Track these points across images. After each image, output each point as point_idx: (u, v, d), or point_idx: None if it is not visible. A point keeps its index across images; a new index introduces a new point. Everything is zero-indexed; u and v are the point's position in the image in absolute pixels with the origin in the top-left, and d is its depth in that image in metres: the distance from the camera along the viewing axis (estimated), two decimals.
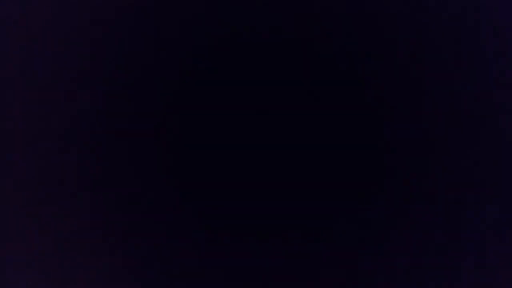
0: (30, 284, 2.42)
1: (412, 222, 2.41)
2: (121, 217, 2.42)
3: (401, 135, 2.43)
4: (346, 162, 2.43)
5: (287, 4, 2.46)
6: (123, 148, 2.44)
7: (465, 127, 2.43)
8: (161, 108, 2.45)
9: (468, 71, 2.45)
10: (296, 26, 2.46)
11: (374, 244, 2.41)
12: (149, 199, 2.43)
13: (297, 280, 2.41)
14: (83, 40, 2.47)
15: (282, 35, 2.46)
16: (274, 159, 2.43)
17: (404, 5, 2.46)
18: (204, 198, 2.43)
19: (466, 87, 2.44)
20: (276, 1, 2.46)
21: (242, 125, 2.44)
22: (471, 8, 2.46)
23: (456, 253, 2.40)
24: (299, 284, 2.41)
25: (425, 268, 2.40)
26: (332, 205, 2.42)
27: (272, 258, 2.41)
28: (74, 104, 2.45)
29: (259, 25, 2.46)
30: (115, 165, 2.43)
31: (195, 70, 2.46)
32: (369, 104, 2.44)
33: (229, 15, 2.46)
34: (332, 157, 2.43)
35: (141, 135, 2.44)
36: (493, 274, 2.40)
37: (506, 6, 2.46)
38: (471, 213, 2.41)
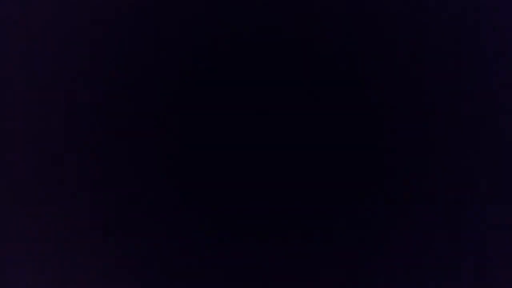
0: (30, 284, 2.42)
1: (412, 222, 2.41)
2: (121, 217, 2.42)
3: (401, 135, 2.43)
4: (346, 162, 2.43)
5: (287, 4, 2.46)
6: (123, 148, 2.44)
7: (465, 127, 2.43)
8: (161, 108, 2.45)
9: (468, 71, 2.45)
10: (296, 26, 2.46)
11: (374, 244, 2.41)
12: (149, 199, 2.43)
13: (297, 280, 2.41)
14: (83, 40, 2.47)
15: (282, 35, 2.46)
16: (274, 159, 2.43)
17: (404, 5, 2.46)
18: (204, 198, 2.43)
19: (466, 87, 2.44)
20: (276, 1, 2.46)
21: (242, 125, 2.44)
22: (471, 8, 2.46)
23: (456, 253, 2.40)
24: (299, 284, 2.41)
25: (425, 268, 2.40)
26: (332, 205, 2.42)
27: (272, 258, 2.41)
28: (74, 104, 2.45)
29: (259, 25, 2.46)
30: (115, 165, 2.43)
31: (195, 70, 2.46)
32: (369, 104, 2.44)
33: (229, 15, 2.46)
34: (332, 157, 2.43)
35: (141, 135, 2.44)
36: (493, 274, 2.40)
37: (506, 6, 2.46)
38: (471, 213, 2.41)
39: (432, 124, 2.43)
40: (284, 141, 2.44)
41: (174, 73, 2.46)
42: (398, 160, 2.42)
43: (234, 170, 2.43)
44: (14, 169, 2.44)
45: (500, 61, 2.44)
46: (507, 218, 2.40)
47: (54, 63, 2.47)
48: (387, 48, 2.45)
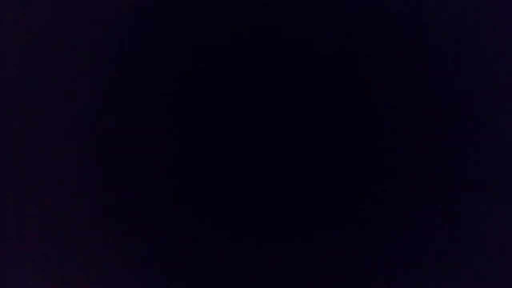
0: (30, 284, 2.42)
1: (412, 222, 2.41)
2: (121, 217, 2.42)
3: (401, 135, 2.43)
4: (346, 162, 2.42)
5: (287, 4, 2.46)
6: (123, 148, 2.44)
7: (465, 127, 2.43)
8: (161, 108, 2.45)
9: (468, 71, 2.45)
10: (296, 26, 2.46)
11: (374, 244, 2.41)
12: (149, 199, 2.43)
13: (297, 280, 2.41)
14: (83, 40, 2.47)
15: (282, 35, 2.46)
16: (274, 159, 2.43)
17: (404, 5, 2.46)
18: (204, 198, 2.43)
19: (466, 87, 2.44)
20: (276, 1, 2.46)
21: (242, 125, 2.44)
22: (471, 8, 2.46)
23: (456, 253, 2.40)
24: (299, 284, 2.41)
25: (425, 268, 2.40)
26: (332, 205, 2.42)
27: (272, 258, 2.41)
28: (74, 104, 2.45)
29: (259, 25, 2.46)
30: (115, 165, 2.43)
31: (195, 70, 2.46)
32: (369, 104, 2.44)
33: (229, 15, 2.46)
34: (332, 157, 2.43)
35: (141, 135, 2.44)
36: (493, 274, 2.40)
37: (506, 6, 2.46)
38: (471, 213, 2.41)
39: (432, 124, 2.43)
40: (284, 141, 2.44)
41: (174, 73, 2.46)
42: (398, 160, 2.42)
43: (234, 169, 2.43)
44: (14, 169, 2.44)
45: (500, 61, 2.44)
46: (507, 218, 2.40)
47: (54, 63, 2.47)
48: (387, 48, 2.45)
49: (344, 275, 2.41)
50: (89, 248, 2.42)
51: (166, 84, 2.46)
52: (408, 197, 2.41)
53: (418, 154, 2.43)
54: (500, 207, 2.41)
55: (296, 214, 2.42)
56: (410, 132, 2.43)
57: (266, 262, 2.41)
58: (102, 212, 2.42)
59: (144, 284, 2.41)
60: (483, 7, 2.46)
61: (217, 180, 2.43)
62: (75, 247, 2.42)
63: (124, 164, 2.43)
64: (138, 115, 2.45)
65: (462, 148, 2.43)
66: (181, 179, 2.43)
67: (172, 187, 2.43)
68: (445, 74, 2.45)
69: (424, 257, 2.40)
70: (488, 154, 2.42)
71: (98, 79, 2.46)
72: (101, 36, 2.47)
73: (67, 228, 2.43)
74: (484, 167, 2.42)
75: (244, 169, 2.43)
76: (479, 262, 2.40)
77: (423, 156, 2.43)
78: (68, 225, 2.43)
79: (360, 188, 2.42)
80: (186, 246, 2.42)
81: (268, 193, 2.42)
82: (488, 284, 2.40)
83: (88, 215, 2.42)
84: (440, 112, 2.44)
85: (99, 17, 2.47)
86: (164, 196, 2.43)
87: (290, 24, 2.46)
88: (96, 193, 2.43)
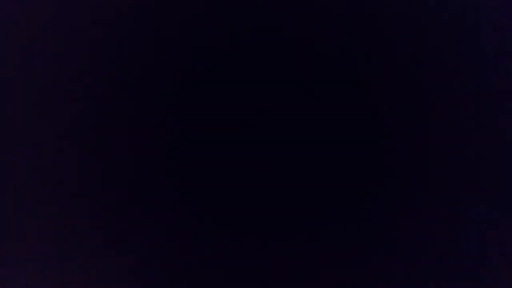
0: (30, 284, 2.42)
1: (412, 222, 2.41)
2: (121, 217, 2.42)
3: (401, 134, 2.43)
4: (346, 162, 2.43)
5: (287, 4, 2.46)
6: (123, 148, 2.44)
7: (465, 127, 2.43)
8: (161, 108, 2.45)
9: (468, 71, 2.45)
10: (296, 26, 2.46)
11: (374, 244, 2.41)
12: (149, 199, 2.43)
13: (297, 280, 2.41)
14: (83, 40, 2.47)
15: (282, 35, 2.46)
16: (274, 159, 2.43)
17: (404, 5, 2.46)
18: (204, 198, 2.43)
19: (466, 87, 2.44)
20: (276, 1, 2.46)
21: (242, 125, 2.44)
22: (471, 8, 2.46)
23: (456, 253, 2.41)
24: (299, 284, 2.41)
25: (425, 268, 2.40)
26: (332, 205, 2.42)
27: (273, 258, 2.41)
28: (74, 104, 2.45)
29: (259, 25, 2.46)
30: (115, 165, 2.43)
31: (195, 70, 2.46)
32: (369, 104, 2.44)
33: (229, 15, 2.46)
34: (332, 157, 2.43)
35: (141, 135, 2.44)
36: (493, 274, 2.40)
37: (506, 6, 2.46)
38: (471, 213, 2.41)
39: (432, 124, 2.43)
40: (284, 141, 2.44)
41: (174, 73, 2.46)
42: (398, 160, 2.42)
43: (234, 170, 2.43)
44: (14, 169, 2.44)
45: (500, 61, 2.44)
46: (507, 218, 2.40)
47: (54, 63, 2.47)
48: (387, 48, 2.45)
49: (344, 275, 2.41)
50: (89, 248, 2.42)
51: (166, 84, 2.46)
52: (408, 197, 2.41)
53: (418, 154, 2.43)
54: (500, 207, 2.41)
55: (296, 214, 2.42)
56: (410, 132, 2.43)
57: (266, 262, 2.41)
58: (102, 212, 2.42)
59: (144, 284, 2.41)
60: (483, 7, 2.46)
61: (217, 180, 2.43)
62: (75, 247, 2.42)
63: (124, 164, 2.43)
64: (138, 115, 2.45)
65: (462, 148, 2.43)
66: (181, 179, 2.43)
67: (172, 187, 2.43)
68: (445, 74, 2.45)
69: (424, 257, 2.40)
70: (488, 154, 2.43)
71: (98, 79, 2.46)
72: (101, 36, 2.47)
73: (67, 228, 2.43)
74: (484, 167, 2.42)
75: (244, 169, 2.43)
76: (479, 262, 2.40)
77: (423, 156, 2.43)
78: (68, 225, 2.43)
79: (360, 188, 2.42)
80: (186, 246, 2.42)
81: (268, 193, 2.42)
82: (488, 284, 2.40)
83: (88, 215, 2.42)
84: (440, 112, 2.44)
85: (99, 17, 2.47)
86: (164, 196, 2.43)
87: (290, 24, 2.46)
88: (96, 193, 2.43)
